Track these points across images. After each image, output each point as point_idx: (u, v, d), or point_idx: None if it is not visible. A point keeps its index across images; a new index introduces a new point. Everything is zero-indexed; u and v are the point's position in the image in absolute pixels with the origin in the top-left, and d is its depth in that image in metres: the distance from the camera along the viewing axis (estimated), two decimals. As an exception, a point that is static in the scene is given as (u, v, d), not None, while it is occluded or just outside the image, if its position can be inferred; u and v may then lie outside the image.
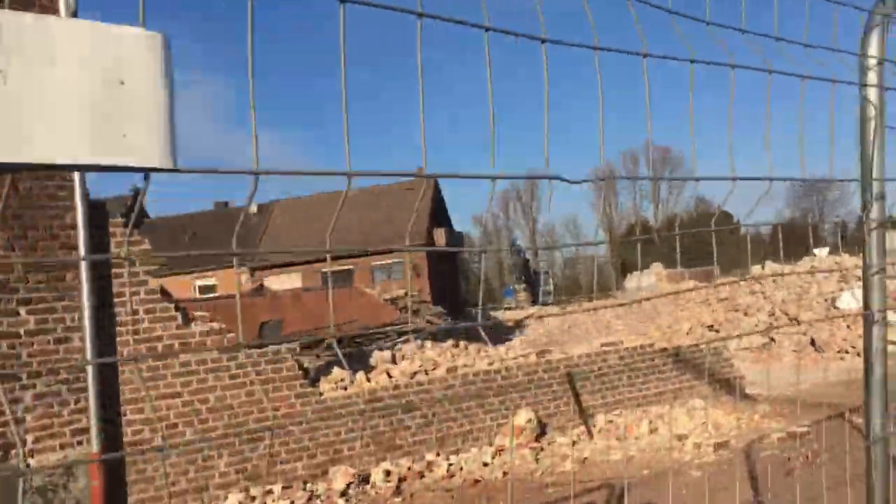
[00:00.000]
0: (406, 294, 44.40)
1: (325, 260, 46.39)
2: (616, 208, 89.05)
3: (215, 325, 7.64)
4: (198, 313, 7.66)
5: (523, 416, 8.83)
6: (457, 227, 53.55)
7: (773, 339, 16.07)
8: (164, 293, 7.41)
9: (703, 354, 10.92)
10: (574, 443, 8.79)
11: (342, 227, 47.68)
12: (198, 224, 51.56)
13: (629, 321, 25.26)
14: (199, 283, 49.07)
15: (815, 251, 38.01)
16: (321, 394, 8.08)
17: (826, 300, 16.16)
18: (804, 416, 9.22)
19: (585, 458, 8.00)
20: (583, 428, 9.39)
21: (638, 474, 7.00)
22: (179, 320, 7.40)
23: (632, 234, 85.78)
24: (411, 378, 8.68)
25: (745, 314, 17.33)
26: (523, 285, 40.35)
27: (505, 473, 7.54)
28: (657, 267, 36.82)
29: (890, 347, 2.56)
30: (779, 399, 10.82)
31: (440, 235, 47.72)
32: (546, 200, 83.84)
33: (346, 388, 8.41)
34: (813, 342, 15.12)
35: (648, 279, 36.14)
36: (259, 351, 7.84)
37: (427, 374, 8.93)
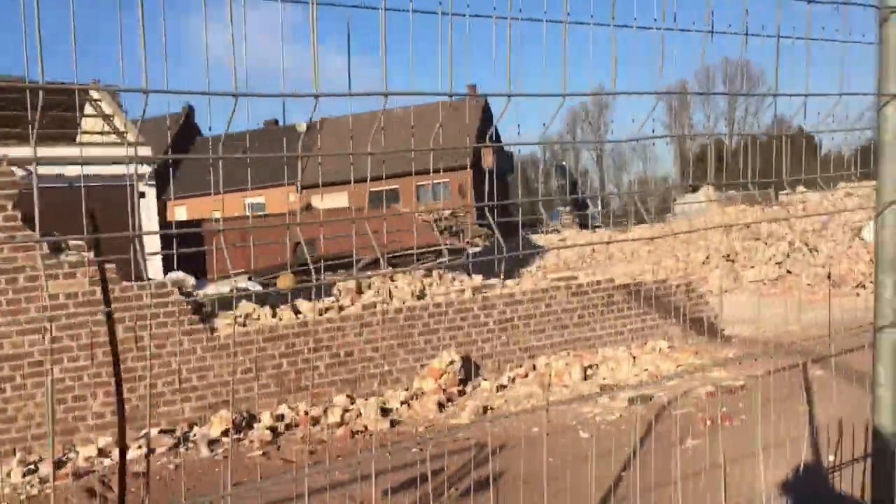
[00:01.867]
0: (452, 214, 43.89)
1: (371, 179, 45.94)
2: (689, 127, 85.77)
3: (88, 254, 7.10)
4: (73, 242, 7.12)
5: (445, 359, 8.15)
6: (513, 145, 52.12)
7: (789, 272, 14.87)
8: (26, 220, 6.85)
9: (672, 291, 9.97)
10: (499, 388, 8.08)
11: (386, 146, 46.98)
12: (249, 141, 51.59)
13: (662, 248, 24.07)
14: (250, 200, 49.42)
15: None
16: (214, 330, 7.54)
17: (850, 230, 14.79)
18: (769, 364, 8.28)
19: (490, 408, 7.30)
20: (520, 370, 8.66)
21: (527, 432, 6.27)
22: (46, 249, 6.88)
23: (704, 155, 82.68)
24: (320, 314, 8.05)
25: (766, 244, 16.08)
26: (568, 208, 39.07)
27: (393, 424, 6.91)
28: (707, 189, 35.01)
29: None
30: (757, 341, 9.84)
31: (487, 155, 46.56)
32: (614, 119, 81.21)
33: (244, 325, 7.85)
34: (830, 276, 13.87)
35: (696, 200, 34.40)
36: (140, 283, 7.30)
37: (340, 310, 8.28)
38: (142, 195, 27.95)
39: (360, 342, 8.09)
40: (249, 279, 28.63)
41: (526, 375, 8.58)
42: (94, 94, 30.34)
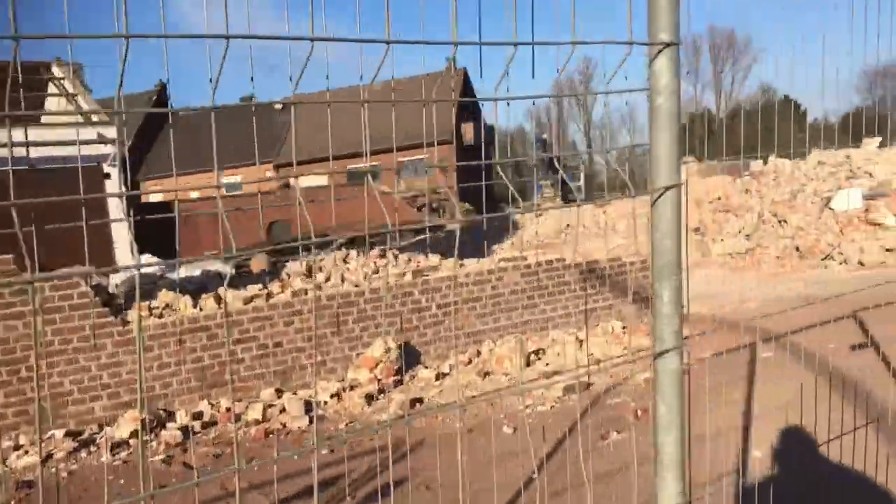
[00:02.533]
0: (433, 191, 43.27)
1: (350, 156, 45.30)
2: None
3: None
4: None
5: (380, 347, 7.71)
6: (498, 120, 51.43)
7: (759, 244, 14.48)
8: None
9: (626, 269, 9.55)
10: (439, 377, 7.67)
11: (367, 122, 46.20)
12: (225, 119, 50.71)
13: (640, 222, 23.64)
14: (225, 179, 48.72)
15: (865, 140, 35.26)
16: (126, 322, 7.07)
17: (821, 199, 14.38)
18: (721, 343, 7.89)
19: (420, 399, 6.88)
20: (463, 357, 8.24)
21: (449, 429, 5.85)
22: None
23: (693, 125, 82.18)
24: (246, 303, 7.59)
25: (736, 215, 15.68)
26: (549, 181, 38.56)
27: (311, 421, 6.49)
28: (689, 161, 34.59)
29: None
30: (715, 319, 9.44)
31: (468, 130, 45.95)
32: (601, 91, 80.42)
33: (161, 316, 7.39)
34: (798, 248, 13.49)
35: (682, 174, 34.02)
36: (43, 275, 6.81)
37: (268, 298, 7.82)
38: (106, 176, 27.30)
39: (291, 331, 7.64)
40: (226, 259, 28.15)
41: (469, 362, 8.17)
42: (56, 72, 29.59)
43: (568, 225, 22.34)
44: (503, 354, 7.81)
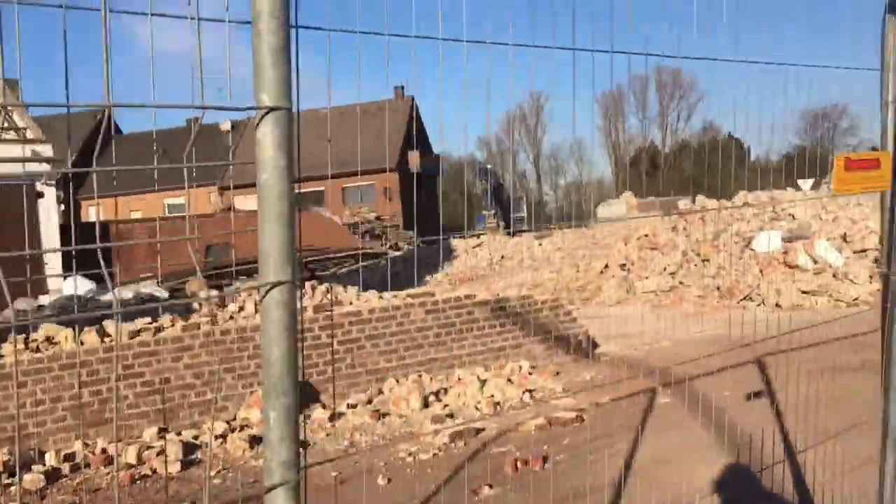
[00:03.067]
0: (377, 218, 43.09)
1: (294, 181, 44.83)
2: (624, 132, 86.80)
3: None
4: None
5: (272, 385, 7.44)
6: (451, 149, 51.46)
7: (681, 282, 14.57)
8: None
9: (538, 308, 9.44)
10: (333, 417, 7.42)
11: (313, 152, 45.97)
12: (169, 140, 49.94)
13: (574, 255, 23.72)
14: (169, 201, 47.91)
15: (800, 182, 36.09)
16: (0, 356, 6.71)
17: (742, 240, 14.54)
18: (622, 388, 7.80)
19: (304, 444, 6.63)
20: (363, 396, 8.01)
21: (324, 480, 5.61)
22: None
23: (639, 159, 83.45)
24: (132, 337, 7.27)
25: (662, 253, 15.77)
26: (493, 211, 38.64)
27: (189, 465, 6.19)
28: (628, 195, 34.98)
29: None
30: (624, 360, 9.37)
31: (414, 158, 45.89)
32: (551, 123, 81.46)
33: (37, 350, 7.04)
34: (719, 287, 13.59)
35: (619, 208, 34.33)
36: None
37: (157, 332, 7.52)
38: (40, 195, 26.55)
39: (180, 367, 7.34)
40: (158, 284, 27.45)
41: (370, 401, 7.94)
42: (-8, 89, 28.75)
43: (502, 256, 22.31)
44: (400, 395, 7.60)
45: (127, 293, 17.08)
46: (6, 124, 28.15)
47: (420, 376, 8.45)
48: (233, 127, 49.36)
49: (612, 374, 8.59)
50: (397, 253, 35.50)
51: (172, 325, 7.68)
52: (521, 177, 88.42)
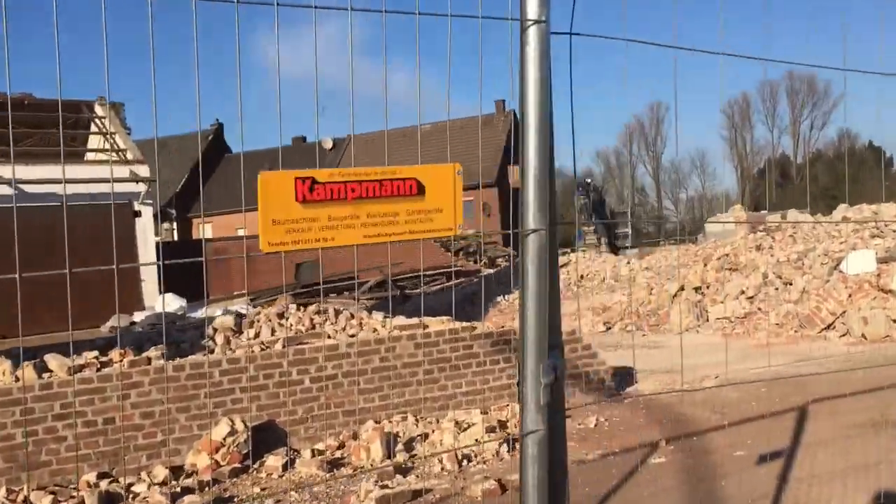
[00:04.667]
0: (476, 234, 42.39)
1: (396, 197, 44.76)
2: (751, 142, 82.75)
3: None
4: None
5: (223, 428, 6.74)
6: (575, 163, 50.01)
7: (759, 308, 13.01)
8: None
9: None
10: (287, 465, 6.63)
11: (412, 163, 45.75)
12: (276, 158, 51.08)
13: (665, 273, 22.10)
14: (275, 219, 48.84)
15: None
16: (-76, 395, 6.30)
17: (831, 261, 12.82)
18: (621, 439, 6.64)
19: (230, 499, 5.85)
20: (332, 442, 7.19)
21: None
22: None
23: (768, 170, 79.11)
24: (73, 373, 6.73)
25: (746, 275, 14.20)
26: (592, 227, 37.14)
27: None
28: (737, 209, 32.71)
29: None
30: (651, 402, 8.14)
31: (515, 173, 44.82)
32: (671, 134, 78.91)
33: (-31, 388, 6.60)
34: (799, 315, 11.99)
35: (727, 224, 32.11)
36: None
37: (101, 367, 6.96)
38: (137, 214, 27.31)
39: (127, 406, 6.75)
40: (252, 300, 27.68)
41: (341, 446, 7.12)
42: (99, 111, 29.98)
43: (582, 276, 21.01)
44: (356, 444, 6.73)
45: (216, 311, 16.93)
46: (106, 145, 29.23)
47: (404, 418, 7.56)
48: (334, 145, 49.93)
49: (624, 421, 7.41)
50: (490, 271, 34.61)
51: (121, 360, 7.11)
52: (640, 191, 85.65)
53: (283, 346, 7.54)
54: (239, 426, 6.80)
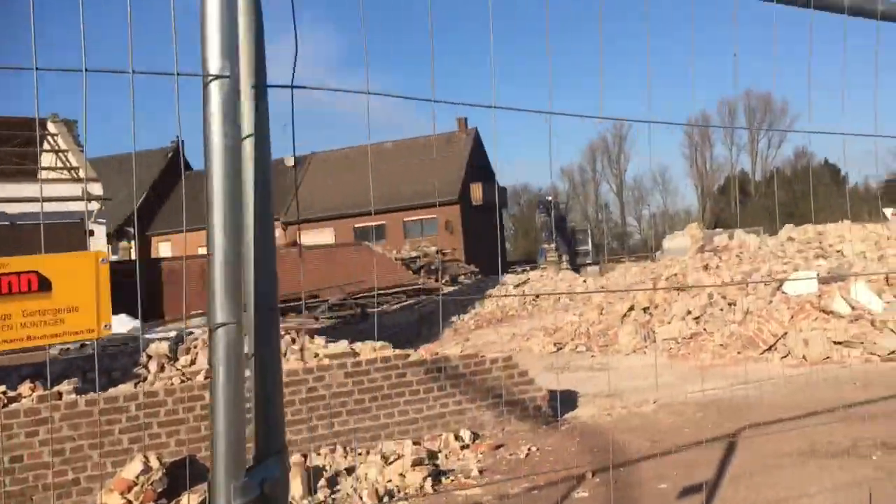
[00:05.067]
0: (438, 252, 42.20)
1: (357, 215, 44.62)
2: (710, 160, 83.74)
3: None
4: None
5: (136, 466, 6.49)
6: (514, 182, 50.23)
7: (704, 329, 13.01)
8: None
9: (486, 368, 8.21)
10: (206, 502, 6.39)
11: (375, 180, 45.64)
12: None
13: (617, 294, 22.10)
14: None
15: (885, 211, 33.37)
16: None
17: (776, 281, 12.87)
18: (549, 471, 6.50)
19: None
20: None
21: None
22: None
23: (728, 188, 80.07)
24: (-21, 411, 6.45)
25: (692, 295, 14.20)
26: (553, 245, 37.17)
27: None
28: (693, 227, 32.92)
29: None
30: (589, 428, 8.03)
31: (476, 190, 44.96)
32: (634, 152, 79.53)
33: None
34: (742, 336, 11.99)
35: (684, 240, 32.30)
36: None
37: (7, 404, 6.68)
38: (90, 233, 26.80)
39: (35, 443, 6.47)
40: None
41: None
42: (52, 129, 29.39)
43: (538, 296, 20.96)
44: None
45: (170, 332, 16.56)
46: (59, 164, 28.66)
47: (333, 450, 7.36)
48: (296, 162, 49.57)
49: (557, 449, 7.29)
50: (452, 288, 34.47)
51: (31, 394, 6.84)
52: (604, 207, 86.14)
53: (205, 378, 7.30)
54: (154, 463, 6.55)
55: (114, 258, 47.09)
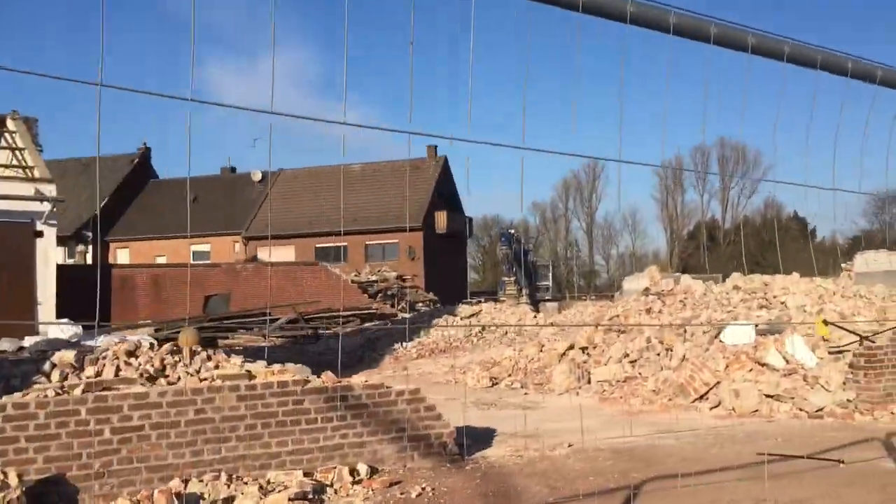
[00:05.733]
0: (398, 278, 41.75)
1: (319, 234, 44.14)
2: (681, 205, 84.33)
3: None
4: None
5: (-8, 482, 6.02)
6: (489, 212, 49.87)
7: (639, 374, 12.75)
8: None
9: (391, 400, 7.84)
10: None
11: (338, 203, 45.28)
12: (203, 187, 49.90)
13: (568, 331, 21.87)
14: (195, 248, 47.56)
15: (844, 266, 33.48)
16: None
17: (714, 329, 12.67)
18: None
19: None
20: (126, 502, 6.52)
21: None
22: None
23: (698, 233, 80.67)
24: None
25: (632, 338, 13.96)
26: (512, 278, 36.90)
27: None
28: (652, 269, 32.85)
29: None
30: (491, 472, 7.66)
31: (441, 218, 44.74)
32: (607, 192, 79.84)
33: None
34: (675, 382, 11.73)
35: (643, 282, 32.22)
36: None
37: None
38: (39, 234, 25.98)
39: None
40: (157, 331, 26.48)
41: (137, 506, 6.44)
42: (10, 126, 28.74)
43: (483, 328, 20.64)
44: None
45: (113, 339, 15.95)
46: (14, 162, 27.95)
47: (216, 477, 6.93)
48: (262, 177, 49.08)
49: (452, 491, 6.92)
50: (407, 315, 33.99)
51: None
52: (573, 244, 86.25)
53: (83, 392, 6.86)
54: (13, 480, 6.09)
55: (70, 262, 46.22)
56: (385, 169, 46.62)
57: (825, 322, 10.72)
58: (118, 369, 9.13)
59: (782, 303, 14.17)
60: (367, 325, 30.94)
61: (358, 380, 7.98)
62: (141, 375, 8.57)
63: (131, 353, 10.11)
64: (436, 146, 46.86)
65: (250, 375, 7.56)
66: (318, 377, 7.96)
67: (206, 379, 7.49)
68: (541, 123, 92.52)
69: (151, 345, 10.70)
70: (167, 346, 10.51)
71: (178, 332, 26.41)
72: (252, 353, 24.22)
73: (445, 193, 46.34)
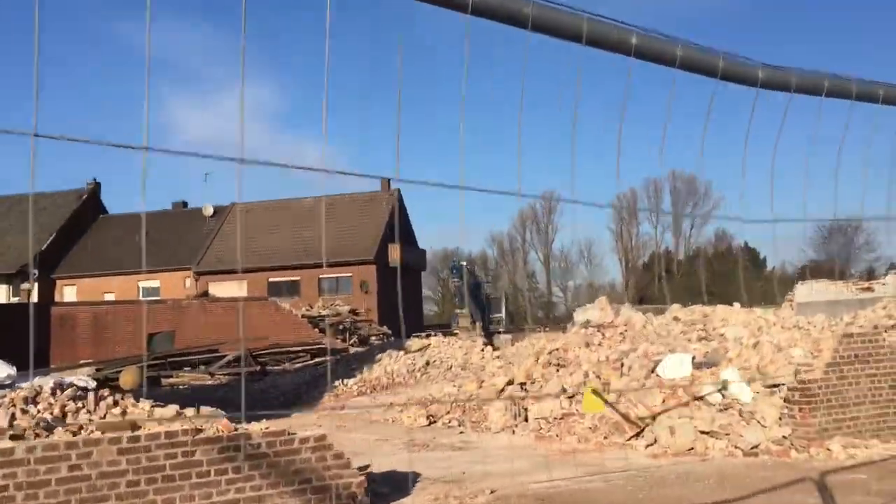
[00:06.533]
0: (351, 311, 41.03)
1: (272, 269, 43.33)
2: (636, 237, 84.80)
3: None
4: None
5: None
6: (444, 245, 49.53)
7: (577, 410, 12.31)
8: None
9: (294, 448, 7.29)
10: None
11: (291, 237, 44.61)
12: (154, 222, 48.85)
13: (516, 362, 21.43)
14: (144, 284, 46.38)
15: (788, 295, 33.58)
16: None
17: (650, 362, 12.30)
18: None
19: None
20: (-16, 570, 5.87)
21: None
22: None
23: (653, 264, 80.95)
24: None
25: (570, 373, 13.54)
26: (465, 310, 36.45)
27: None
28: (602, 300, 32.64)
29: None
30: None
31: (394, 251, 44.21)
32: (563, 223, 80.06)
33: None
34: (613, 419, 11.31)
35: (593, 313, 31.95)
36: None
37: None
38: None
39: None
40: (98, 370, 25.41)
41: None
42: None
43: (427, 362, 20.10)
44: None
45: (48, 380, 15.05)
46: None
47: (91, 541, 6.30)
48: (215, 212, 48.23)
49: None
50: (360, 349, 33.27)
51: None
52: (530, 277, 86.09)
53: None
54: None
55: (15, 300, 44.76)
56: (338, 202, 46.08)
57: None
58: (13, 417, 8.48)
59: (721, 334, 13.88)
60: (316, 359, 30.28)
61: (257, 427, 7.41)
62: (37, 424, 7.93)
63: (30, 400, 9.43)
64: (389, 179, 46.44)
65: (134, 426, 6.96)
66: (249, 422, 7.43)
67: (81, 430, 6.87)
68: (498, 156, 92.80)
69: (83, 388, 10.07)
70: (69, 391, 9.82)
71: (120, 372, 25.55)
72: (198, 391, 23.35)
73: (400, 226, 45.89)
